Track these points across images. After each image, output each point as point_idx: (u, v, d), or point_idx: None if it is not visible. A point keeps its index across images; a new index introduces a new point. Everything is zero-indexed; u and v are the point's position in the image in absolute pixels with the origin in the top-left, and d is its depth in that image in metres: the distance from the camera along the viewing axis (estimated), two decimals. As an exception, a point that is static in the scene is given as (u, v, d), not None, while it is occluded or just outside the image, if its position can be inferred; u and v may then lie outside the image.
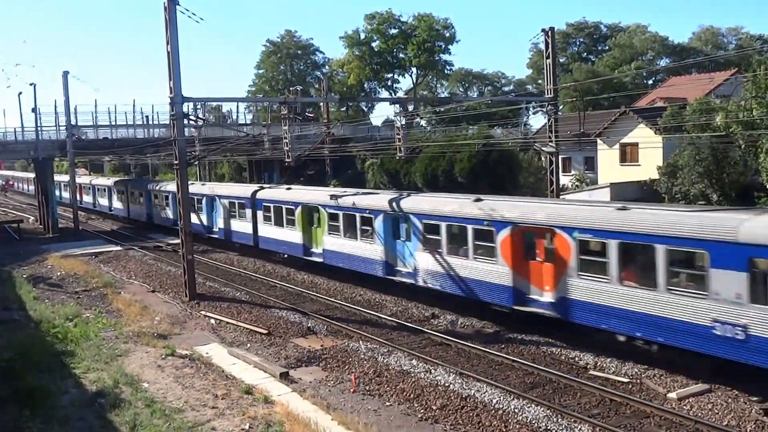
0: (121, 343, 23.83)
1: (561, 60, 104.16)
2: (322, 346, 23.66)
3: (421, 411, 17.60)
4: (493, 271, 24.14)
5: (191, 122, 34.88)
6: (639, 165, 49.16)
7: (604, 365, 20.10)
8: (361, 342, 23.72)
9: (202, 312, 29.29)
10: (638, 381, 18.89)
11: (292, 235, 36.64)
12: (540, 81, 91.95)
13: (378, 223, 29.99)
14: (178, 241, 35.83)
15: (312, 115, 78.22)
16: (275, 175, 72.05)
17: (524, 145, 53.95)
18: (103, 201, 73.10)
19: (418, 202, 28.71)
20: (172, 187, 49.08)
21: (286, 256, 38.17)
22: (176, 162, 32.01)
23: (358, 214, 31.29)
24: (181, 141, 31.63)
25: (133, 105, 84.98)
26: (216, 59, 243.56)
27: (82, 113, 63.23)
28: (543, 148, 38.85)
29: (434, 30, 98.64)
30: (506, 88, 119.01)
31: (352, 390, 19.36)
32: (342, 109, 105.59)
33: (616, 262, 20.02)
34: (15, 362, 20.01)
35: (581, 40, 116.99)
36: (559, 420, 16.54)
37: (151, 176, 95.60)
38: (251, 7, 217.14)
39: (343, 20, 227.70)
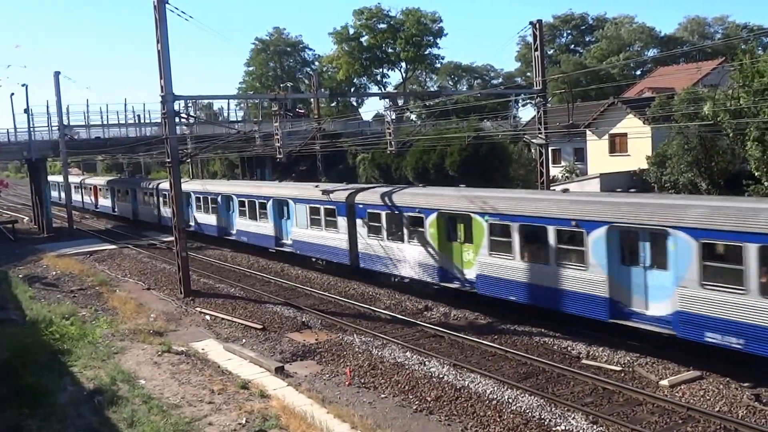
0: (118, 341, 23.94)
1: (549, 52, 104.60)
2: (316, 340, 23.82)
3: (416, 403, 17.77)
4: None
5: (183, 120, 34.93)
6: (628, 155, 49.44)
7: (597, 354, 20.32)
8: (355, 335, 23.92)
9: (197, 308, 29.40)
10: (630, 369, 19.12)
11: None
12: (528, 73, 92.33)
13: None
14: (171, 238, 35.89)
15: (303, 111, 78.36)
16: (267, 171, 72.14)
17: (514, 137, 54.15)
18: (128, 206, 63.91)
19: None
20: (227, 188, 45.62)
21: None
22: (168, 160, 32.08)
23: None
24: (173, 139, 31.64)
25: (125, 104, 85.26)
26: (206, 57, 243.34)
27: (74, 113, 63.11)
28: (533, 140, 39.06)
29: (422, 24, 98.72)
30: (495, 81, 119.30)
31: (347, 383, 19.53)
32: (332, 105, 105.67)
33: None
34: (13, 361, 20.14)
35: (568, 32, 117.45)
36: (553, 409, 16.74)
37: (144, 174, 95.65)
38: (240, 5, 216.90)
39: (331, 16, 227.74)
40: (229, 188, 45.42)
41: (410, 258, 28.00)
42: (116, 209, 67.41)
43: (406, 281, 28.92)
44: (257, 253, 40.97)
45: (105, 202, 70.84)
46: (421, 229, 27.29)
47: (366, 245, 30.60)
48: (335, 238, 32.63)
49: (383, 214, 29.47)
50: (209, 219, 46.32)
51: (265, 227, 39.07)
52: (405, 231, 28.21)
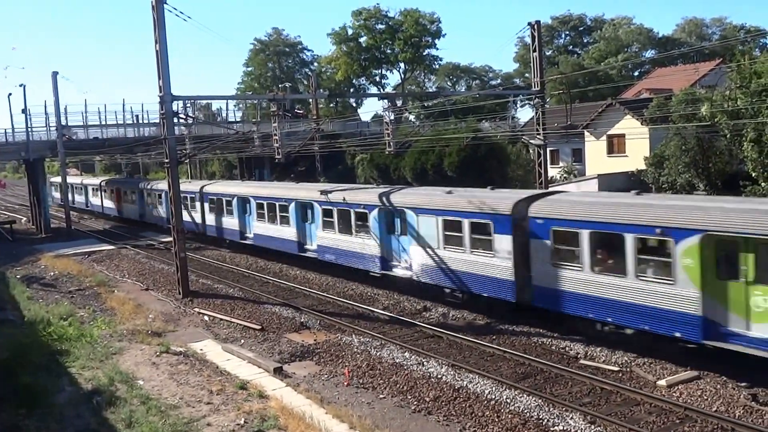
0: (116, 342, 23.96)
1: (547, 53, 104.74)
2: (315, 340, 23.83)
3: (415, 403, 17.79)
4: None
5: (181, 120, 34.88)
6: (626, 156, 49.52)
7: (595, 354, 20.34)
8: (354, 336, 23.92)
9: (196, 309, 29.39)
10: (628, 369, 19.14)
11: None
12: (527, 74, 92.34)
13: None
14: (170, 239, 35.86)
15: (301, 112, 78.26)
16: (266, 172, 72.16)
17: (512, 138, 54.24)
18: (161, 212, 55.33)
19: None
20: (306, 194, 35.99)
21: None
22: (167, 160, 32.09)
23: None
24: (171, 139, 31.63)
25: (123, 104, 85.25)
26: (205, 57, 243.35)
27: (72, 113, 63.19)
28: (531, 141, 39.16)
29: (421, 25, 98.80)
30: (494, 82, 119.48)
31: (345, 383, 19.54)
32: (331, 105, 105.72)
33: None
34: (11, 362, 20.16)
35: (566, 33, 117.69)
36: (551, 409, 16.77)
37: (142, 175, 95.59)
38: (239, 6, 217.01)
39: (330, 17, 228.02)
40: (310, 194, 35.66)
41: (640, 300, 19.64)
42: (146, 216, 59.39)
43: (626, 332, 20.54)
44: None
45: (131, 206, 62.94)
46: (665, 260, 19.09)
47: (549, 277, 22.33)
48: (490, 263, 24.31)
49: (584, 234, 21.05)
50: (281, 231, 37.50)
51: (367, 245, 30.67)
52: (629, 259, 19.88)
